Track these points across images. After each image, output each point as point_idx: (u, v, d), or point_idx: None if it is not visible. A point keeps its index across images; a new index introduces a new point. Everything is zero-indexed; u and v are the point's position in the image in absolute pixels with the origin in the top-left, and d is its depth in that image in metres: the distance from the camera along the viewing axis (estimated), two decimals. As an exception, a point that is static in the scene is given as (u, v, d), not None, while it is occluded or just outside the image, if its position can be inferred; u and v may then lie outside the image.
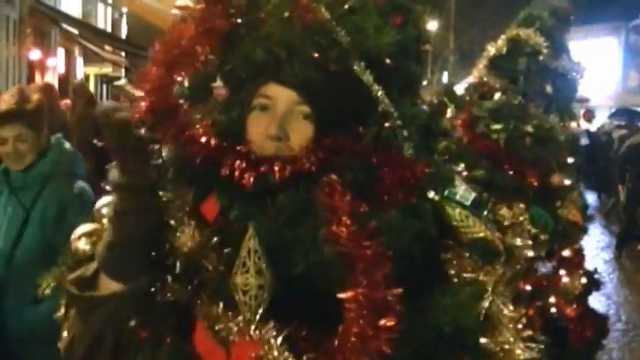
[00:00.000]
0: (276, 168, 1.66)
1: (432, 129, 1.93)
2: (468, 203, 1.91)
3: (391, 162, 1.72)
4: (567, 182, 5.36)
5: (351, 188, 1.64)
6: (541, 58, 5.32)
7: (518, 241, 4.62)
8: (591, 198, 19.82)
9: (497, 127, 5.17)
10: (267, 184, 1.67)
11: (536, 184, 5.14)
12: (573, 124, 5.76)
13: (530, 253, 4.80)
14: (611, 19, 33.32)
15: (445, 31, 32.86)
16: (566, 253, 5.31)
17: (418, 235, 1.70)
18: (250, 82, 1.78)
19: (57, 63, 20.75)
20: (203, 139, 1.72)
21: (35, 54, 18.72)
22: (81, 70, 25.03)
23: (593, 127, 23.59)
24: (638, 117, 16.90)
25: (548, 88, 5.33)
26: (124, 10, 30.11)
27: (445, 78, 31.84)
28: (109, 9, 30.27)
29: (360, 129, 1.76)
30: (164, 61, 1.76)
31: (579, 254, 5.53)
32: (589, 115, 18.66)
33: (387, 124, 1.76)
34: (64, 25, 21.57)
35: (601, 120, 23.16)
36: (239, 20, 1.77)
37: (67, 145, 3.80)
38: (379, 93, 1.73)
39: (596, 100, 29.03)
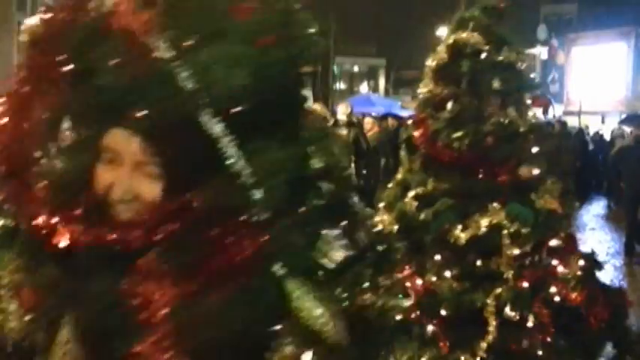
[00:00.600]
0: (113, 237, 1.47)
1: (307, 174, 1.61)
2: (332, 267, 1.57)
3: (227, 234, 1.44)
4: (536, 172, 5.28)
5: (179, 268, 1.43)
6: (483, 56, 5.29)
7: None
8: (601, 205, 19.80)
9: (458, 134, 5.13)
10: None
11: (507, 181, 5.14)
12: (534, 113, 5.73)
13: (516, 251, 4.88)
14: (621, 24, 33.23)
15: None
16: (553, 242, 5.22)
17: (245, 324, 1.44)
18: (95, 125, 1.56)
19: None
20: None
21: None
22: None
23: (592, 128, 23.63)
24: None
25: (497, 84, 5.24)
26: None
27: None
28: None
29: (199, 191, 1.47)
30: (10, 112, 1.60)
31: (570, 239, 5.44)
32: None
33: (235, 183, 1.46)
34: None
35: (611, 125, 23.15)
36: (71, 67, 1.55)
37: None
38: (227, 146, 1.45)
39: (606, 106, 29.07)
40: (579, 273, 5.14)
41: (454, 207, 5.03)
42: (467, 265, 5.00)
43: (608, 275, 11.40)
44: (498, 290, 4.80)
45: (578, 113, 26.19)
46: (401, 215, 5.25)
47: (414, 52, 34.30)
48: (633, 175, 12.80)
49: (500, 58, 5.29)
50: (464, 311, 4.86)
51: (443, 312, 4.91)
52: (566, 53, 36.38)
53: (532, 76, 5.77)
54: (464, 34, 5.34)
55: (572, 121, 25.46)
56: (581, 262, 5.26)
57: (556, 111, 27.35)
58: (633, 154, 12.88)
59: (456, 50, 5.34)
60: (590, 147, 21.60)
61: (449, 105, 5.34)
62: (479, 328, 4.79)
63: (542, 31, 37.32)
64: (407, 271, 5.10)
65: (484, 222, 4.91)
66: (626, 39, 34.27)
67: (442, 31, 31.81)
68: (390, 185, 5.73)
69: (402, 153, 5.84)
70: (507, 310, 4.76)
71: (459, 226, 4.92)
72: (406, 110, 23.67)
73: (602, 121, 29.01)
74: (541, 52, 37.50)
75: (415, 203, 5.20)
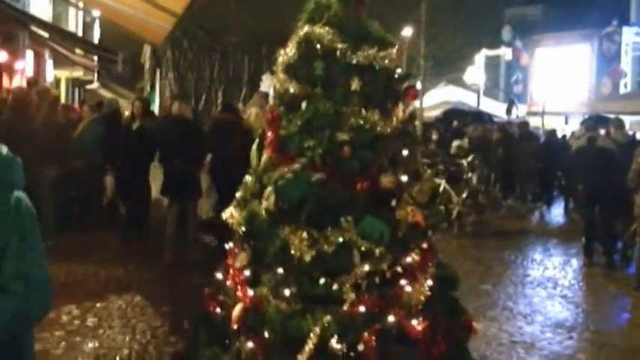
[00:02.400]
0: None
1: None
2: None
3: None
4: (403, 179, 4.82)
5: None
6: (339, 55, 4.75)
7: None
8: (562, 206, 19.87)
9: (311, 142, 4.68)
10: None
11: (366, 190, 4.69)
12: (412, 110, 5.23)
13: (366, 268, 4.46)
14: (585, 27, 33.49)
15: (417, 38, 32.77)
16: (408, 259, 4.69)
17: None
18: None
19: (25, 66, 20.51)
20: None
21: (2, 56, 18.50)
22: (51, 73, 24.79)
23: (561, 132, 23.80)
24: (605, 124, 16.94)
25: (355, 85, 4.72)
26: (96, 14, 29.90)
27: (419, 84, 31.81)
28: (81, 13, 30.08)
29: None
30: None
31: (428, 254, 4.90)
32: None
33: None
34: (33, 28, 21.34)
35: (574, 127, 23.27)
36: None
37: (4, 150, 3.46)
38: None
39: (569, 107, 29.30)
40: (426, 295, 4.69)
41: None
42: (308, 284, 4.55)
43: (567, 277, 11.46)
44: (327, 318, 4.38)
45: (542, 114, 26.31)
46: (250, 217, 4.81)
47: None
48: (587, 176, 12.81)
49: (359, 58, 4.76)
50: (289, 336, 4.43)
51: (265, 333, 4.53)
52: (530, 54, 36.60)
53: (399, 71, 5.05)
54: (317, 29, 4.80)
55: (535, 122, 25.58)
56: (430, 283, 4.77)
57: (519, 111, 27.51)
58: (587, 156, 12.89)
59: (308, 47, 4.81)
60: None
61: (303, 105, 4.84)
62: (296, 357, 4.38)
63: (506, 33, 37.59)
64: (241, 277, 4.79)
65: (334, 238, 4.49)
66: (589, 41, 34.57)
67: (406, 32, 32.04)
68: (247, 179, 5.19)
69: (254, 149, 5.27)
70: (333, 342, 4.33)
71: (304, 242, 4.50)
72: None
73: (566, 122, 29.23)
74: (505, 53, 37.74)
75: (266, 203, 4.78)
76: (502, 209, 18.73)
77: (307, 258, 4.46)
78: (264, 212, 4.74)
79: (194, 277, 9.36)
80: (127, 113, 13.98)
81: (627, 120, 19.49)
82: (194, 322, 5.28)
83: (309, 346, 4.29)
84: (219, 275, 5.11)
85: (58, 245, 9.98)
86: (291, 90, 4.86)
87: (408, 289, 4.61)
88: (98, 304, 8.48)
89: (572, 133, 22.77)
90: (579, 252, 13.10)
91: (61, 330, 7.37)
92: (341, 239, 4.50)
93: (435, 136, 19.28)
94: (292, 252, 4.50)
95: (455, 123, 23.53)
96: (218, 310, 4.97)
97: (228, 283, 4.94)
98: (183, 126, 11.08)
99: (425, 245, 4.87)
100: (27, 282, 2.91)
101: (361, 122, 4.71)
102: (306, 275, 4.55)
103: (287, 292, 4.53)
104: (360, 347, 4.35)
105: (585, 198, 13.26)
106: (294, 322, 4.43)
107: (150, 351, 7.00)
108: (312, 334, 4.32)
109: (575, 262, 12.71)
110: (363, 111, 4.79)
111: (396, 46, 5.00)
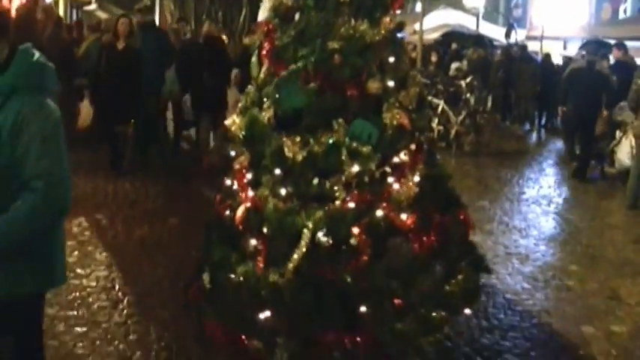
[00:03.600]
0: None
1: None
2: None
3: None
4: (390, 84, 5.03)
5: None
6: None
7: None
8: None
9: (304, 51, 4.95)
10: None
11: (356, 95, 4.94)
12: (399, 22, 5.32)
13: (355, 168, 4.73)
14: (587, -50, 33.07)
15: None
16: (396, 159, 4.96)
17: None
18: None
19: (25, -14, 20.33)
20: None
21: (1, -25, 18.36)
22: (50, -7, 24.52)
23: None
24: (605, 48, 16.94)
25: None
26: None
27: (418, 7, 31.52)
28: None
29: None
30: None
31: (417, 154, 5.13)
32: None
33: None
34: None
35: (573, 51, 23.25)
36: None
37: (37, 55, 3.53)
38: None
39: (569, 32, 29.14)
40: (414, 192, 4.90)
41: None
42: (303, 183, 4.86)
43: (562, 195, 11.75)
44: (319, 214, 4.67)
45: (541, 38, 26.22)
46: (251, 122, 5.08)
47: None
48: (580, 96, 12.90)
49: None
50: (285, 232, 4.75)
51: (265, 230, 4.84)
52: (531, -22, 36.20)
53: None
54: None
55: (534, 46, 25.50)
56: (417, 179, 4.97)
57: (518, 35, 27.36)
58: (583, 76, 12.97)
59: None
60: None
61: (296, 16, 5.15)
62: (294, 250, 4.70)
63: (507, -44, 37.10)
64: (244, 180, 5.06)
65: (324, 140, 4.76)
66: (590, -35, 34.15)
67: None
68: (249, 88, 5.48)
69: (253, 61, 5.56)
70: (320, 235, 4.62)
71: (297, 144, 4.81)
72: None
73: (565, 47, 29.10)
74: (506, -24, 37.33)
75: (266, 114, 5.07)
76: (500, 130, 18.87)
77: (299, 158, 4.75)
78: (264, 118, 5.02)
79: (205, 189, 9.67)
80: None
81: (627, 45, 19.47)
82: (206, 225, 5.52)
83: (304, 240, 4.61)
84: (227, 181, 5.38)
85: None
86: (285, 2, 5.14)
87: (396, 186, 4.85)
88: (107, 216, 8.80)
89: (570, 57, 22.75)
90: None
91: (74, 240, 7.67)
92: (331, 140, 4.77)
93: (434, 58, 19.26)
94: (287, 153, 4.79)
95: (454, 45, 23.50)
96: (227, 212, 5.22)
97: (234, 187, 5.22)
98: (213, 43, 12.30)
99: (413, 146, 5.08)
100: (47, 180, 3.11)
101: (351, 31, 4.94)
102: (300, 176, 4.84)
103: (283, 192, 4.82)
104: (353, 241, 4.64)
105: (572, 119, 13.39)
106: (289, 218, 4.73)
107: (159, 259, 7.32)
108: (305, 230, 4.62)
109: (569, 182, 12.94)
110: (353, 21, 5.03)
111: None
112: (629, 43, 18.19)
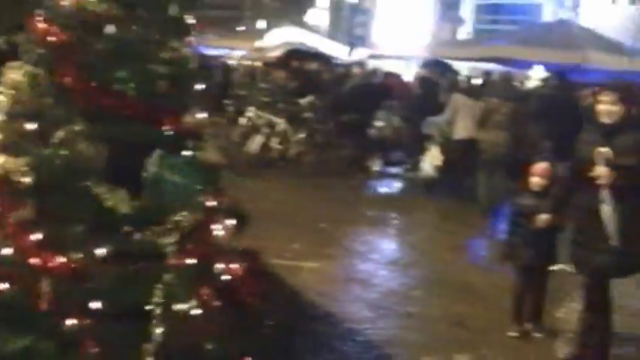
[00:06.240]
0: None
1: None
2: None
3: None
4: (202, 116, 4.33)
5: None
6: None
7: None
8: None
9: (122, 74, 3.98)
10: None
11: (173, 129, 4.15)
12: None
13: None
14: (426, -29, 33.83)
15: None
16: (211, 202, 4.17)
17: None
18: None
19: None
20: None
21: None
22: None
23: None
24: (442, 67, 17.26)
25: (175, 10, 4.19)
26: None
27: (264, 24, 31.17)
28: None
29: None
30: None
31: (221, 193, 4.37)
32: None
33: None
34: None
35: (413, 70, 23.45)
36: None
37: None
38: None
39: (410, 51, 29.66)
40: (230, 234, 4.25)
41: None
42: (122, 238, 3.86)
43: (404, 217, 11.44)
44: (167, 277, 3.70)
45: (383, 57, 26.42)
46: (40, 162, 3.82)
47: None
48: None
49: None
50: (125, 304, 3.74)
51: (94, 304, 3.66)
52: (373, -3, 36.74)
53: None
54: None
55: (376, 65, 25.68)
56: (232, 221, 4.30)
57: (361, 54, 27.58)
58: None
59: None
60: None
61: (107, 29, 4.09)
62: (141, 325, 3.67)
63: (349, -25, 37.52)
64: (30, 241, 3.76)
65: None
66: (430, -15, 34.99)
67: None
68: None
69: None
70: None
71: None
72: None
73: (407, 66, 29.60)
74: (349, -5, 37.73)
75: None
76: (341, 150, 18.64)
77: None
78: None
79: None
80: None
81: (464, 66, 19.80)
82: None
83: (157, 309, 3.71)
84: None
85: None
86: (91, 7, 4.09)
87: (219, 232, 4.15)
88: None
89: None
90: (417, 191, 13.32)
91: None
92: None
93: (275, 76, 18.86)
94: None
95: (295, 63, 23.23)
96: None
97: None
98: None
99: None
100: None
101: (173, 53, 4.20)
102: (116, 228, 3.92)
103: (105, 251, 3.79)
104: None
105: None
106: (130, 286, 3.80)
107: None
108: (155, 297, 3.73)
109: (412, 202, 12.80)
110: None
111: None
112: (466, 64, 18.61)
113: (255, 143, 14.65)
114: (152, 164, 3.92)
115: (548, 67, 15.48)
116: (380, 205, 12.55)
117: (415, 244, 9.82)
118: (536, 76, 16.79)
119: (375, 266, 8.53)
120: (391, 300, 7.30)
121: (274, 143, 14.75)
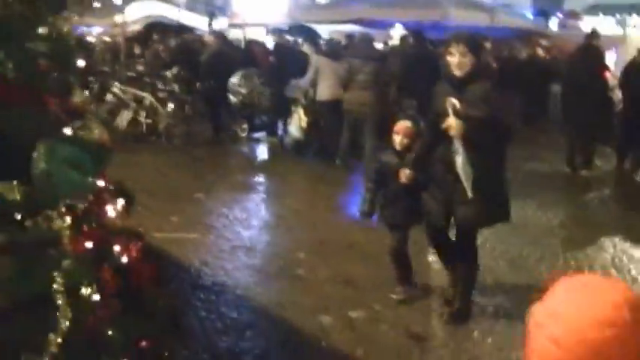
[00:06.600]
0: None
1: None
2: None
3: None
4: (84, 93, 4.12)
5: None
6: None
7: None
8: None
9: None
10: None
11: (59, 110, 3.85)
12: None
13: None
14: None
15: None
16: (101, 183, 3.95)
17: None
18: None
19: None
20: None
21: None
22: None
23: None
24: (307, 32, 17.35)
25: None
26: None
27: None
28: None
29: None
30: None
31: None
32: None
33: None
34: None
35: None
36: None
37: None
38: None
39: (270, 18, 29.66)
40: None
41: None
42: (13, 226, 3.53)
43: (277, 181, 11.56)
44: (66, 263, 3.43)
45: (243, 26, 26.30)
46: None
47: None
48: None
49: None
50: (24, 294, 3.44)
51: None
52: (229, -34, 36.39)
53: None
54: None
55: (236, 34, 25.56)
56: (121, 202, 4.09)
57: (222, 24, 27.35)
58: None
59: None
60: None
61: None
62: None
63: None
64: None
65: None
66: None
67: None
68: None
69: None
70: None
71: None
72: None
73: (267, 33, 29.54)
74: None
75: None
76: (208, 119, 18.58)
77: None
78: None
79: None
80: None
81: (325, 29, 20.02)
82: None
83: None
84: None
85: None
86: None
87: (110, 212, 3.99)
88: None
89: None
90: (286, 154, 13.58)
91: None
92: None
93: (137, 50, 18.56)
94: None
95: (155, 36, 22.87)
96: None
97: None
98: None
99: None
100: None
101: (50, 31, 3.85)
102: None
103: None
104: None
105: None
106: (29, 278, 3.46)
107: None
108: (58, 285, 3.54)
109: (283, 166, 12.93)
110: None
111: None
112: (327, 27, 18.80)
113: (124, 119, 14.39)
114: (40, 159, 3.80)
115: (407, 25, 15.87)
116: (251, 170, 12.58)
117: (293, 207, 9.86)
118: (397, 35, 17.16)
119: (257, 232, 8.58)
120: (278, 264, 7.34)
121: (143, 118, 14.54)
